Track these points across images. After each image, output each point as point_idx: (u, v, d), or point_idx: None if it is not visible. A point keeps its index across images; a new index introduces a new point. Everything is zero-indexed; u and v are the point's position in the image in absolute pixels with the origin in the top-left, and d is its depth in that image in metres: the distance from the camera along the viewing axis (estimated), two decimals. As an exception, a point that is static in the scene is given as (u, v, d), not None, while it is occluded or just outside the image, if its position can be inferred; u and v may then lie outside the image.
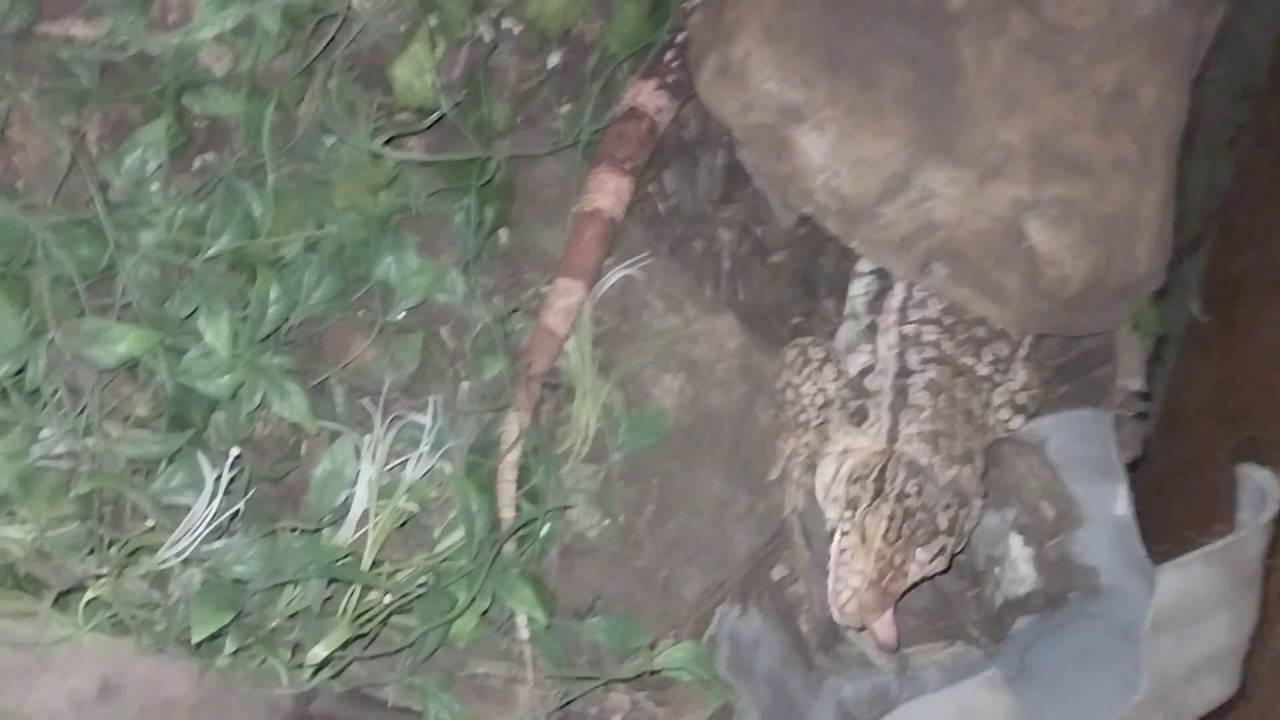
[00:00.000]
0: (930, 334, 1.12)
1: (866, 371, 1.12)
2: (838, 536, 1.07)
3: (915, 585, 1.08)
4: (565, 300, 1.06)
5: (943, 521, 1.06)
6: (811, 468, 1.14)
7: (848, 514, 1.06)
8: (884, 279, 1.15)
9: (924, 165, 1.08)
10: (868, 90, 1.08)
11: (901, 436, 1.08)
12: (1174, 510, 1.24)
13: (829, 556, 1.07)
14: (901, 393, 1.10)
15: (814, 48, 1.07)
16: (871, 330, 1.14)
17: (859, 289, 1.17)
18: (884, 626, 1.03)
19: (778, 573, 1.17)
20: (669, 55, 1.15)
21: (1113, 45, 1.15)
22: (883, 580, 1.04)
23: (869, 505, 1.05)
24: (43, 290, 0.91)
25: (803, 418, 1.12)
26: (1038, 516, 1.21)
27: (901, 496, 1.05)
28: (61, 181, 0.96)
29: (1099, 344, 1.28)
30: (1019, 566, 1.21)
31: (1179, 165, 1.19)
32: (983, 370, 1.11)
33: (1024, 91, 1.12)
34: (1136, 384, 1.27)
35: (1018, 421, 1.19)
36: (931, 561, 1.07)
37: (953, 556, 1.09)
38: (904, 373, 1.10)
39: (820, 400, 1.11)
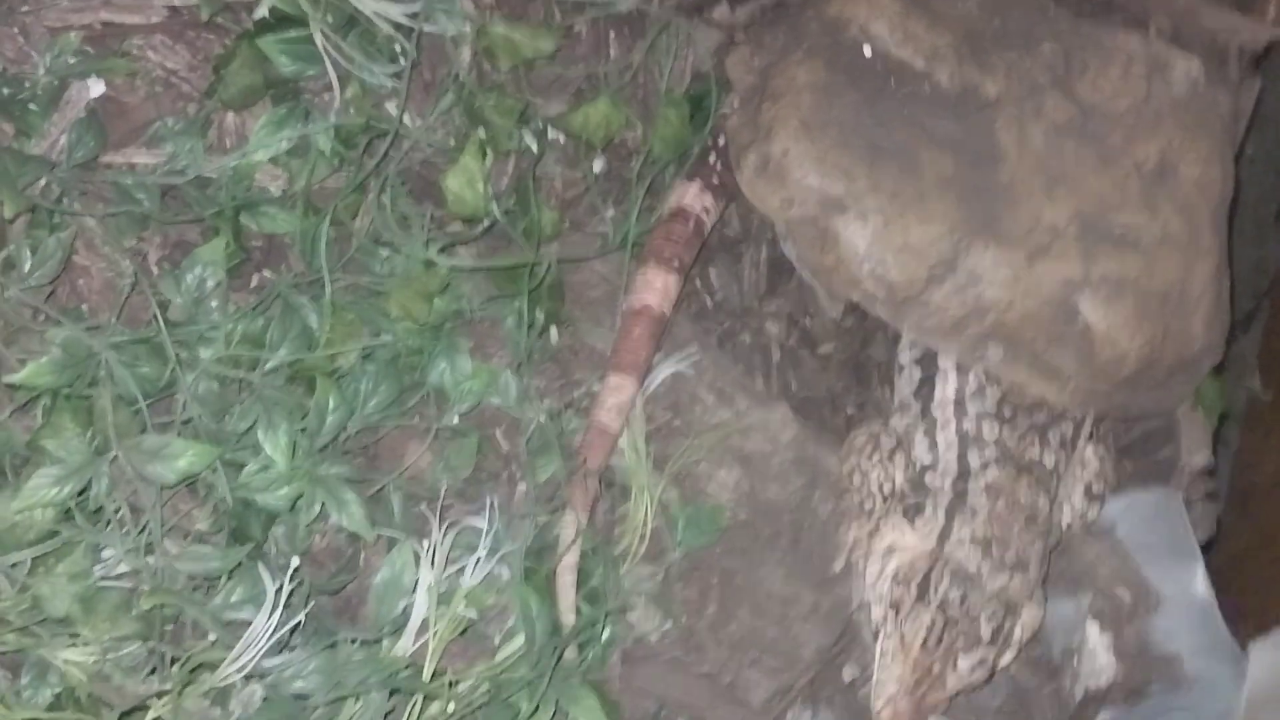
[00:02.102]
0: (990, 430, 1.10)
1: (927, 469, 1.10)
2: (880, 638, 1.04)
3: (955, 694, 1.05)
4: (617, 397, 1.06)
5: (985, 632, 1.04)
6: (869, 554, 1.11)
7: (890, 614, 1.04)
8: (929, 367, 1.15)
9: (970, 249, 1.08)
10: (908, 178, 1.09)
11: (953, 539, 1.06)
12: (1254, 590, 1.20)
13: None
14: (960, 495, 1.08)
15: (852, 141, 1.08)
16: (928, 421, 1.12)
17: (906, 379, 1.16)
18: None
19: (848, 673, 1.14)
20: (712, 158, 1.17)
21: (1150, 124, 1.16)
22: (919, 689, 1.02)
23: (911, 608, 1.03)
24: (106, 409, 0.92)
25: (868, 505, 1.10)
26: (1113, 602, 1.18)
27: (944, 604, 1.03)
28: (123, 302, 0.98)
29: (1161, 424, 1.26)
30: (1098, 656, 1.17)
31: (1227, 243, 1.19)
32: (1049, 461, 1.10)
33: (1066, 172, 1.12)
34: (1203, 461, 1.24)
35: (1095, 511, 1.16)
36: (972, 672, 1.04)
37: (996, 667, 1.06)
38: (964, 474, 1.08)
39: (887, 489, 1.10)
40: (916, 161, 1.10)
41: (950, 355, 1.13)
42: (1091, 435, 1.16)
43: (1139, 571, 1.19)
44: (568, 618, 1.00)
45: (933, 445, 1.12)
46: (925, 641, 1.02)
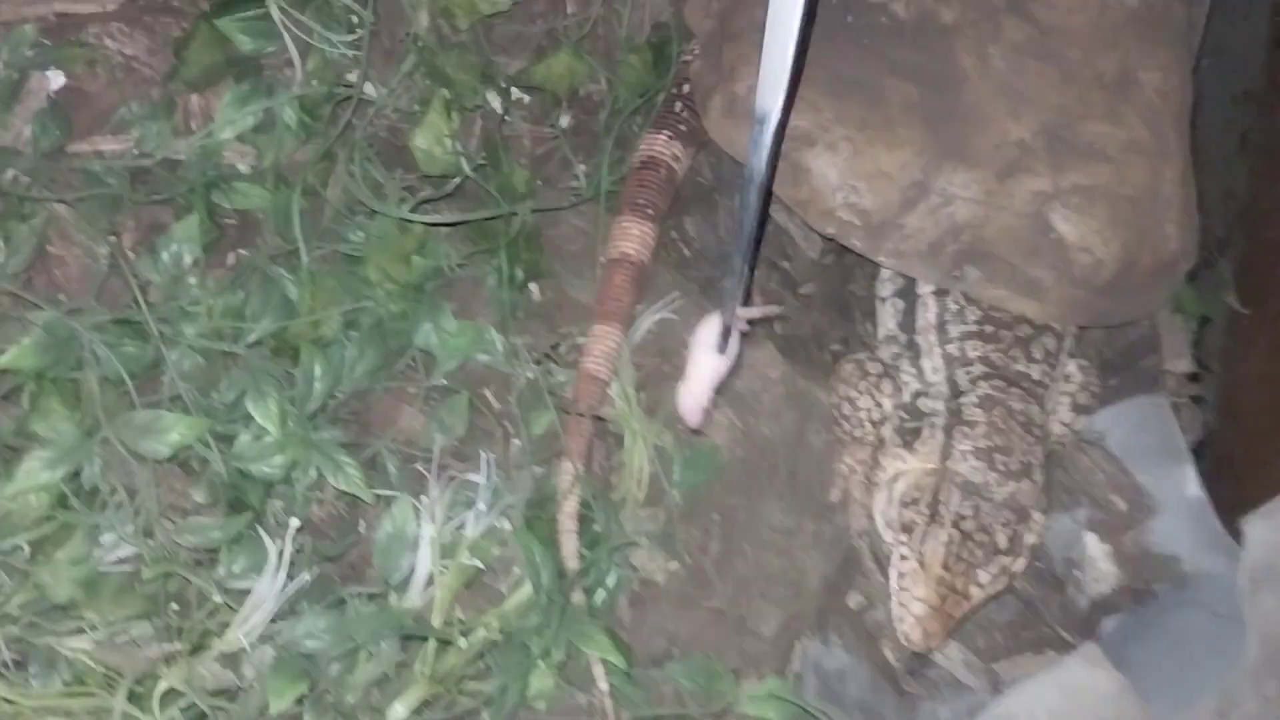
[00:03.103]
0: (974, 349, 1.11)
1: (919, 395, 1.11)
2: (895, 561, 1.05)
3: (979, 606, 1.05)
4: (603, 344, 1.06)
5: (1002, 540, 1.04)
6: (872, 486, 1.12)
7: (903, 538, 1.04)
8: (908, 297, 1.15)
9: (940, 170, 1.09)
10: (874, 107, 1.10)
11: (955, 454, 1.07)
12: (1245, 487, 1.21)
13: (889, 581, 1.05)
14: (955, 412, 1.09)
15: (815, 74, 1.09)
16: (913, 350, 1.13)
17: (888, 311, 1.17)
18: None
19: (854, 600, 1.14)
20: (678, 106, 1.18)
21: (1108, 37, 1.17)
22: (944, 605, 1.02)
23: (925, 529, 1.04)
24: (92, 390, 0.92)
25: (858, 434, 1.11)
26: (1110, 511, 1.19)
27: (958, 519, 1.03)
28: (101, 285, 0.98)
29: (1142, 333, 1.27)
30: (1099, 564, 1.18)
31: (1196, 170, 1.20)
32: (1035, 374, 1.10)
33: (1028, 89, 1.13)
34: (1185, 366, 1.26)
35: (1081, 422, 1.17)
36: (993, 582, 1.04)
37: (1014, 574, 1.06)
38: (956, 393, 1.09)
39: (877, 416, 1.11)
40: (880, 90, 1.11)
41: (929, 280, 1.13)
42: (1075, 353, 1.17)
43: (1133, 478, 1.20)
44: (571, 563, 1.00)
45: (920, 372, 1.13)
46: (945, 560, 1.02)
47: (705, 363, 0.97)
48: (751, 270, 0.92)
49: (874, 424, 1.11)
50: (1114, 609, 1.16)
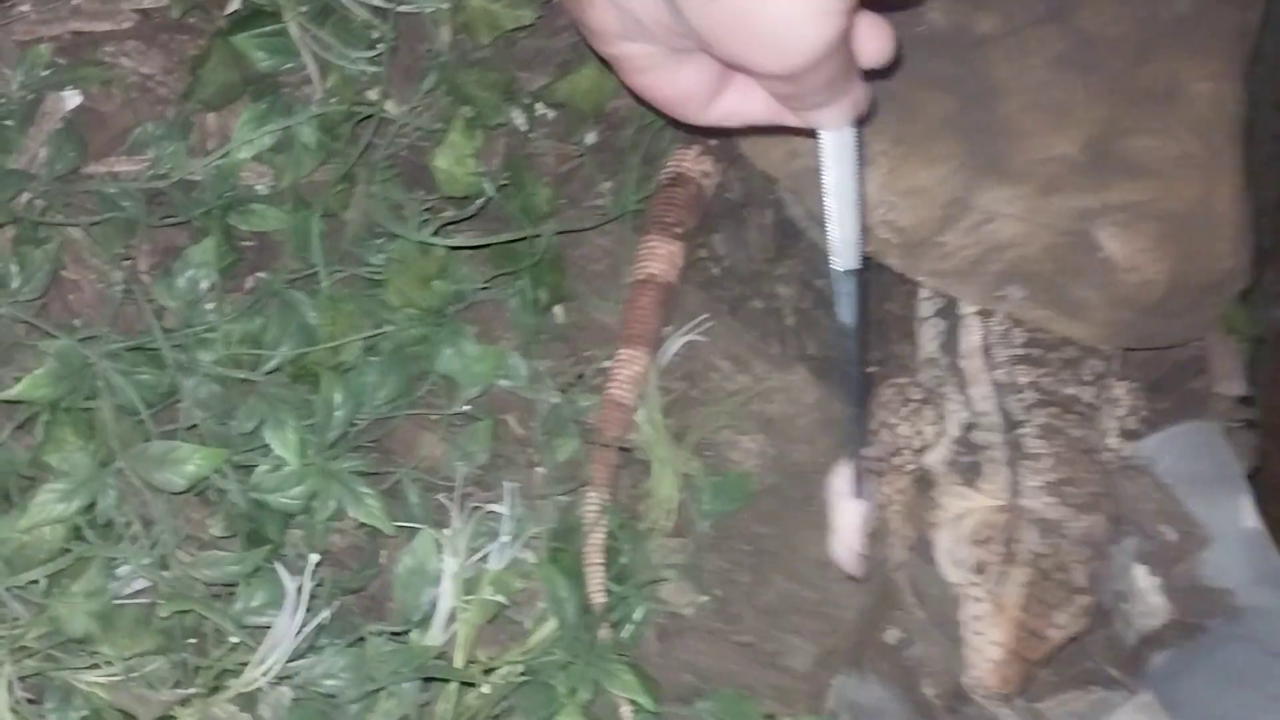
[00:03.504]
0: (1024, 374, 1.07)
1: (970, 427, 1.06)
2: (968, 604, 1.01)
3: (1057, 650, 1.01)
4: (629, 369, 1.03)
5: (1080, 578, 1.00)
6: (911, 517, 1.08)
7: (975, 579, 1.00)
8: (949, 317, 1.11)
9: (981, 186, 1.05)
10: (909, 121, 1.06)
11: (1024, 490, 1.02)
12: (1304, 515, 1.17)
13: (958, 624, 1.01)
14: (1015, 445, 1.05)
15: (849, 85, 1.05)
16: (958, 376, 1.09)
17: (928, 333, 1.13)
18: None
19: (891, 635, 1.10)
20: None
21: (1155, 45, 1.13)
22: (1021, 648, 0.98)
23: (1000, 570, 0.99)
24: (107, 420, 0.90)
25: (897, 461, 1.07)
26: (1159, 542, 1.14)
27: (1036, 558, 0.99)
28: (116, 311, 0.96)
29: (1191, 354, 1.22)
30: (1148, 598, 1.14)
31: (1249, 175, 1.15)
32: (1087, 396, 1.06)
33: (1070, 102, 1.09)
34: (1237, 389, 1.21)
35: (1129, 448, 1.13)
36: (1071, 621, 1.01)
37: (1091, 614, 1.02)
38: (1012, 424, 1.05)
39: (918, 444, 1.06)
40: (915, 103, 1.07)
41: (971, 300, 1.09)
42: (1123, 376, 1.13)
43: (1183, 507, 1.15)
44: (598, 598, 0.97)
45: (968, 400, 1.08)
46: (1024, 601, 0.98)
47: (848, 511, 1.01)
48: (864, 413, 0.98)
49: (914, 452, 1.07)
50: (1163, 644, 1.11)
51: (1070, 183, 1.06)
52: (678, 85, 0.73)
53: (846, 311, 0.81)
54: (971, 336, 1.09)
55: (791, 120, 0.72)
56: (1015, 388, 1.07)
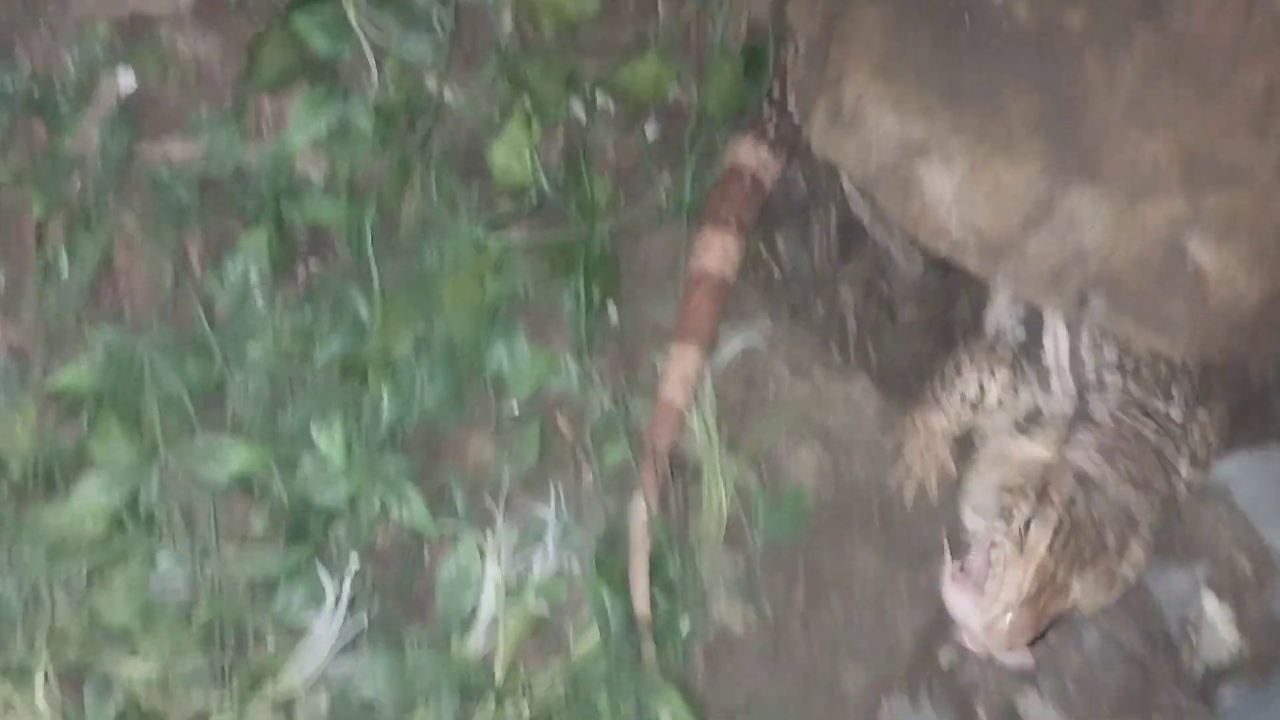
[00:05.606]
0: (1113, 380, 1.02)
1: (1041, 407, 1.02)
2: (985, 550, 0.95)
3: (1069, 611, 0.95)
4: (681, 368, 1.00)
5: (1111, 540, 0.95)
6: (933, 459, 1.04)
7: (999, 524, 0.94)
8: (1033, 325, 1.06)
9: (1067, 189, 1.00)
10: (993, 118, 1.01)
11: (1074, 443, 0.98)
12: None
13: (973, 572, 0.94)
14: (1082, 412, 1.00)
15: (930, 80, 1.01)
16: (1041, 376, 1.04)
17: (1005, 341, 1.08)
18: (1022, 654, 0.93)
19: (946, 658, 1.06)
20: (766, 109, 1.10)
21: (1254, 48, 1.06)
22: (1041, 598, 0.91)
23: (1031, 511, 0.94)
24: (153, 412, 0.89)
25: (947, 400, 1.02)
26: (1233, 571, 1.09)
27: (1069, 504, 0.94)
28: (166, 301, 0.95)
29: (1276, 373, 1.16)
30: (1218, 629, 1.09)
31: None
32: (1174, 414, 1.01)
33: (1163, 106, 1.03)
34: (1328, 414, 1.14)
35: (1199, 478, 1.07)
36: (1094, 585, 0.94)
37: (1115, 585, 0.96)
38: (1085, 399, 1.00)
39: (976, 395, 1.02)
40: (1000, 100, 1.02)
41: (1051, 308, 1.04)
42: (1205, 400, 1.07)
43: (1260, 537, 1.10)
44: (643, 611, 0.94)
45: (1048, 391, 1.03)
46: (1051, 544, 0.92)
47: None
48: None
49: (968, 403, 1.02)
50: (1233, 679, 1.06)
51: (1161, 189, 1.01)
52: None
53: None
54: (1060, 345, 1.05)
55: None
56: (1101, 387, 1.02)
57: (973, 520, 0.98)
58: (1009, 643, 0.91)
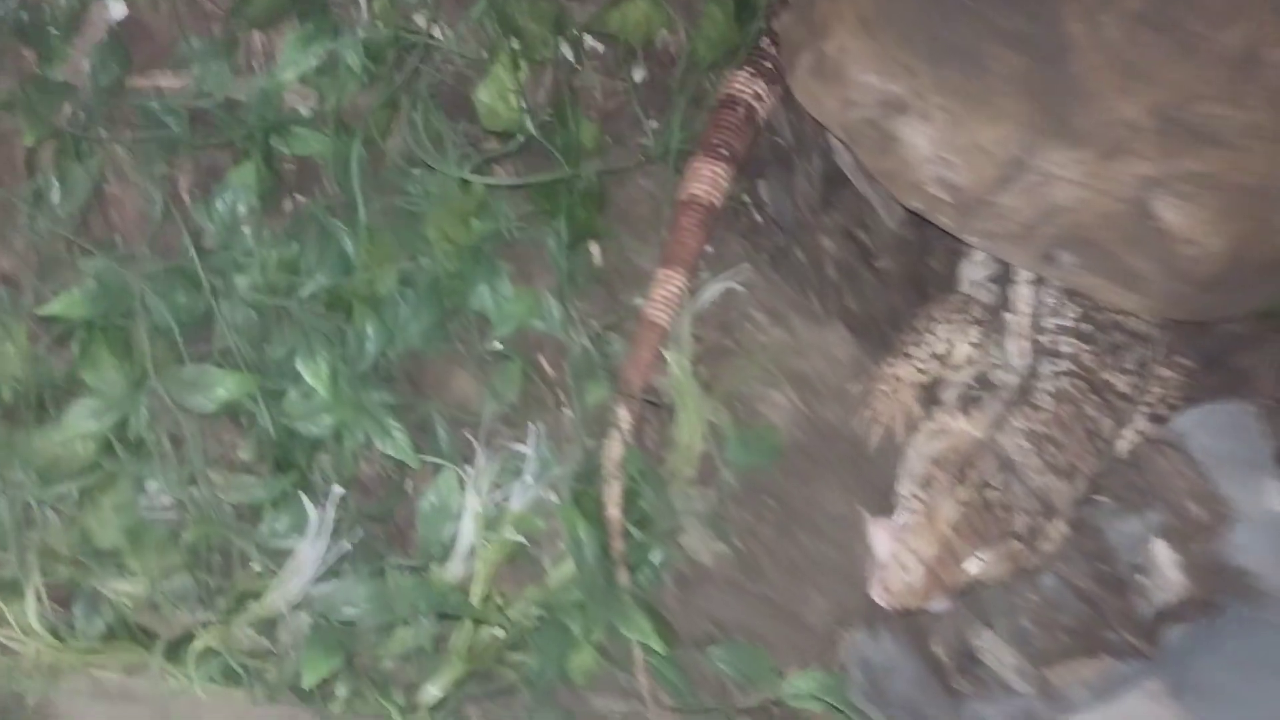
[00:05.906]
0: (1067, 345, 1.05)
1: (996, 366, 1.05)
2: (900, 512, 0.99)
3: (964, 586, 1.00)
4: (665, 289, 1.02)
5: (1019, 525, 0.99)
6: (900, 407, 1.07)
7: (918, 492, 0.99)
8: (1001, 282, 1.09)
9: (1041, 147, 1.02)
10: (974, 75, 1.02)
11: (1006, 429, 1.01)
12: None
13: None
14: (1025, 392, 1.03)
15: (913, 36, 1.02)
16: (1000, 329, 1.07)
17: (979, 293, 1.11)
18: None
19: (905, 595, 1.10)
20: (764, 42, 1.11)
21: (1234, 7, 1.08)
22: (937, 565, 0.96)
23: (945, 485, 0.98)
24: (142, 340, 0.91)
25: (915, 352, 1.05)
26: (1184, 518, 1.13)
27: (983, 485, 0.98)
28: (156, 231, 0.96)
29: (1238, 330, 1.19)
30: (1166, 573, 1.13)
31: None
32: (1121, 385, 1.04)
33: (1141, 63, 1.04)
34: (1284, 370, 1.18)
35: (1155, 429, 1.11)
36: (996, 565, 0.99)
37: (1017, 567, 1.01)
38: (1034, 376, 1.03)
39: (944, 349, 1.05)
40: (982, 57, 1.03)
41: (1020, 264, 1.07)
42: (1168, 360, 1.10)
43: (1213, 486, 1.13)
44: (616, 541, 0.97)
45: (1004, 353, 1.07)
46: (955, 520, 0.97)
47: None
48: None
49: (935, 356, 1.06)
50: (1179, 620, 1.11)
51: (1134, 149, 1.03)
52: None
53: None
54: (1022, 302, 1.07)
55: None
56: (1055, 354, 1.05)
57: (903, 485, 1.02)
58: (900, 602, 0.97)
